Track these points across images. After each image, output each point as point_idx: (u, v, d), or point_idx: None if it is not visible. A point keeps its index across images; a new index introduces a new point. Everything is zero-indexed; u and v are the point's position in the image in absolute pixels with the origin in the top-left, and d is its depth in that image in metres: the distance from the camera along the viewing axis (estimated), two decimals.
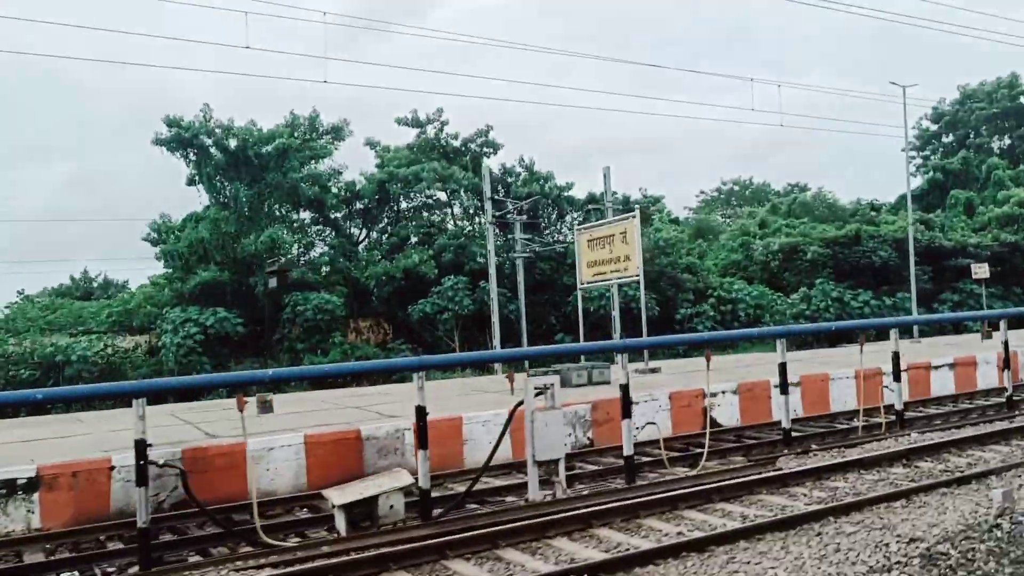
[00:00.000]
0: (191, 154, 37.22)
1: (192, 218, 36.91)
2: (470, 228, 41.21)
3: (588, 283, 25.59)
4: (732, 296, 39.87)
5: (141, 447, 8.44)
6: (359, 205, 41.64)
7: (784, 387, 14.27)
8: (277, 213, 39.07)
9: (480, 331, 37.50)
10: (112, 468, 11.36)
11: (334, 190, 40.61)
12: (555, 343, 36.84)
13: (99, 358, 32.09)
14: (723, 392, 17.10)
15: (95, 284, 59.50)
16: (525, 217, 36.02)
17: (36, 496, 10.79)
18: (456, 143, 41.77)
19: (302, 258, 38.78)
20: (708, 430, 14.24)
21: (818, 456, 13.28)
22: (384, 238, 40.78)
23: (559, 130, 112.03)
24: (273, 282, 28.02)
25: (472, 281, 36.86)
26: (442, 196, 41.72)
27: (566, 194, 41.48)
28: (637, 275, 23.19)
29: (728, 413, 16.95)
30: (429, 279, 36.75)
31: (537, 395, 11.35)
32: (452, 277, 36.28)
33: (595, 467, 13.61)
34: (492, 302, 29.46)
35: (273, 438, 12.69)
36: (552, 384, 11.44)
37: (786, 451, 14.01)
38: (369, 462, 12.95)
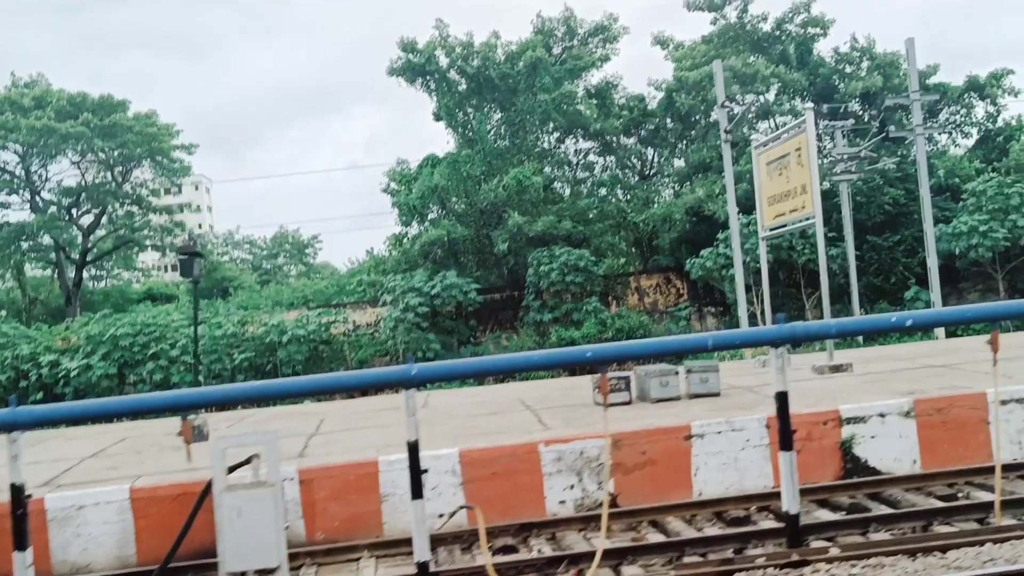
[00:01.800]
0: (430, 83, 34.68)
1: (428, 162, 34.41)
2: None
3: (770, 229, 18.24)
4: None
5: None
6: (649, 127, 36.43)
7: (786, 440, 7.86)
8: (537, 146, 35.26)
9: (795, 286, 30.75)
10: None
11: (614, 109, 35.88)
12: (904, 308, 28.93)
13: (316, 337, 30.98)
14: (880, 415, 10.74)
15: None
16: (850, 122, 28.43)
17: None
18: (766, 27, 34.53)
19: (557, 200, 34.61)
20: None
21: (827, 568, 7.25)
22: (672, 167, 35.20)
23: None
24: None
25: None
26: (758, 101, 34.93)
27: (932, 80, 32.50)
28: (812, 216, 15.88)
29: (896, 450, 10.74)
30: (718, 220, 30.72)
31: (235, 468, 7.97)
32: (744, 217, 29.84)
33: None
34: (734, 254, 22.91)
35: (85, 492, 10.09)
36: (265, 446, 7.88)
37: (775, 550, 7.91)
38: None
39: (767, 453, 10.38)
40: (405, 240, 33.95)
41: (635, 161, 36.70)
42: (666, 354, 9.94)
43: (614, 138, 36.11)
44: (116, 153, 43.60)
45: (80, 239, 44.83)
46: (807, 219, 16.30)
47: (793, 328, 7.83)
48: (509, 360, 8.29)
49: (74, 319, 36.70)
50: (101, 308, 45.09)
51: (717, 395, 13.26)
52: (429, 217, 33.39)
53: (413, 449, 7.35)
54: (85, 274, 48.27)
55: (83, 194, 43.81)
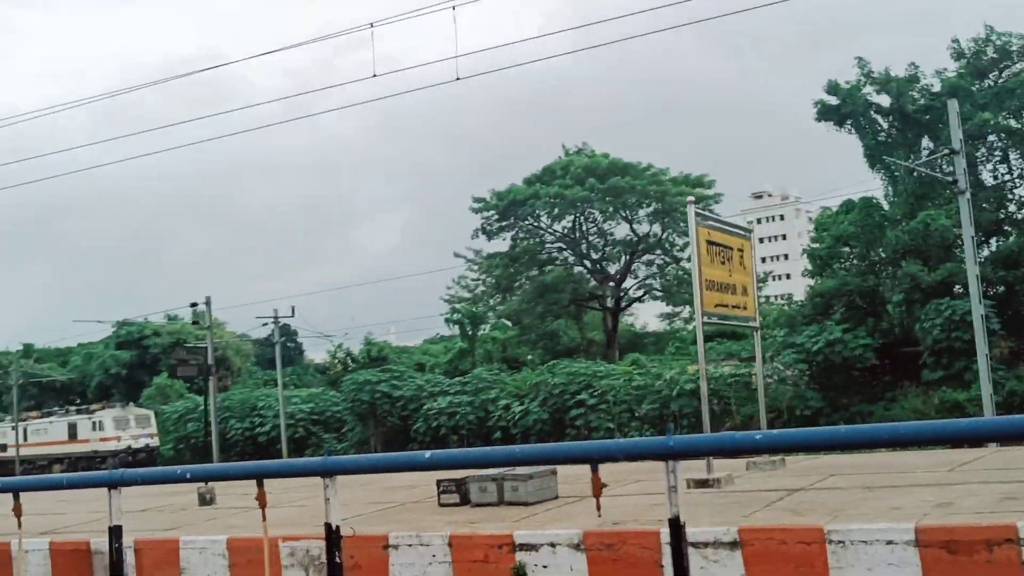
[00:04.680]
0: (850, 125, 34.65)
1: (844, 208, 34.24)
2: None
3: (708, 315, 14.97)
4: None
5: None
6: None
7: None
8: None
9: None
10: None
11: None
12: None
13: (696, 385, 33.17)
14: (551, 545, 10.49)
15: None
16: None
17: None
18: None
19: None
20: None
21: None
22: None
23: None
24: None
25: None
26: None
27: None
28: (754, 321, 15.20)
29: None
30: None
31: None
32: None
33: None
34: None
35: None
36: None
37: None
38: None
39: (449, 572, 10.68)
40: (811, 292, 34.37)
41: None
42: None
43: None
44: (647, 210, 49.85)
45: (612, 288, 51.95)
46: (749, 323, 15.61)
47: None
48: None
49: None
50: (647, 349, 51.85)
51: (527, 503, 13.17)
52: (835, 266, 33.43)
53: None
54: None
55: (607, 248, 50.88)
